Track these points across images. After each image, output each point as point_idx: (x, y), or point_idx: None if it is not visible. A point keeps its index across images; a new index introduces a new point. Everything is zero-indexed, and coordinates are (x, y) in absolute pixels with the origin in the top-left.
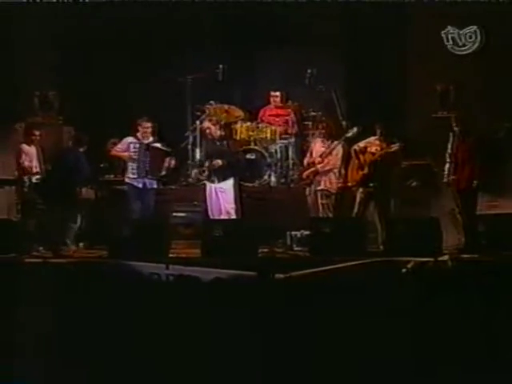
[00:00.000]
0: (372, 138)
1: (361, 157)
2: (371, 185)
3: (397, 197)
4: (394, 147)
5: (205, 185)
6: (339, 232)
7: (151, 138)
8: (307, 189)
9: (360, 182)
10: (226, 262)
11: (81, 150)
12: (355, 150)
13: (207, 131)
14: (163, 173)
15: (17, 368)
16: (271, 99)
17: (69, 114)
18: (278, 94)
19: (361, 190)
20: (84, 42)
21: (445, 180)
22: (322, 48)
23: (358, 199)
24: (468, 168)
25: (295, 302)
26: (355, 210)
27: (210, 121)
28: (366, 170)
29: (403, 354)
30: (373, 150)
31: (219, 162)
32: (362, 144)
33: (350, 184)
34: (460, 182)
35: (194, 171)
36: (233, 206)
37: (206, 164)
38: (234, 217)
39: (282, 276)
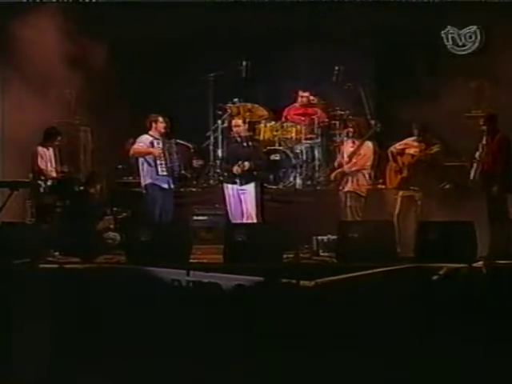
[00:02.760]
0: (410, 139)
1: (399, 159)
2: (411, 188)
3: (434, 200)
4: (435, 148)
5: (224, 186)
6: (368, 237)
7: (164, 135)
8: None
9: (399, 185)
10: (250, 268)
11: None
12: (392, 152)
13: (235, 129)
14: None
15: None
16: (299, 98)
17: (86, 113)
18: (307, 94)
19: (400, 193)
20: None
21: (471, 179)
22: (350, 45)
23: (398, 203)
24: (498, 169)
25: (321, 310)
26: (396, 211)
27: (240, 119)
28: (405, 173)
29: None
30: (411, 151)
31: (246, 164)
32: (399, 146)
33: (389, 187)
34: (490, 183)
35: (217, 171)
36: (254, 208)
37: (235, 168)
38: (255, 220)
39: (307, 283)
